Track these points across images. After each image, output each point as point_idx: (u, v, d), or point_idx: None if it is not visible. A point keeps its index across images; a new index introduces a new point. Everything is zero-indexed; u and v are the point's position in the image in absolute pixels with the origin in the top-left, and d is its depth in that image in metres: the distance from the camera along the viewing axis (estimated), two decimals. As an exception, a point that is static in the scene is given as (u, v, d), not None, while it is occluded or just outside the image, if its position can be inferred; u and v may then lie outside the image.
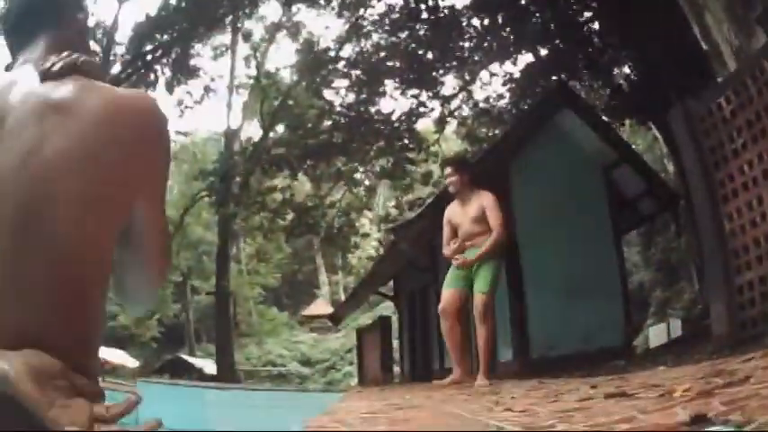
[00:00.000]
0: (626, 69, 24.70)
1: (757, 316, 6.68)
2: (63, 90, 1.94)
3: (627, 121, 25.51)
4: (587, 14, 23.90)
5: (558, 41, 24.10)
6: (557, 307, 13.66)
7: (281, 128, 41.21)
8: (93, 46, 38.77)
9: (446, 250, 9.75)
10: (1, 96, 1.97)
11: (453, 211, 9.89)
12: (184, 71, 38.03)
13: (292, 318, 69.46)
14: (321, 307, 61.65)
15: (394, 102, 29.42)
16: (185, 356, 56.02)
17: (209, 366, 48.66)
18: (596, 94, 25.35)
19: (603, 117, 19.70)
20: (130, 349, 56.22)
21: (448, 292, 9.50)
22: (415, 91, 29.21)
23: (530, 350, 13.80)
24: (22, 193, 1.82)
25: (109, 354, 46.50)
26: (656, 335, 23.29)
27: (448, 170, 10.08)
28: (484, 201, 9.50)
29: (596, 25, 23.97)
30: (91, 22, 35.46)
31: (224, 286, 42.37)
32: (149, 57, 37.64)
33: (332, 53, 33.98)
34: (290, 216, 36.90)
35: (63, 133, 1.87)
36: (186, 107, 42.63)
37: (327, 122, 32.83)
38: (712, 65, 9.86)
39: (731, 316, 6.95)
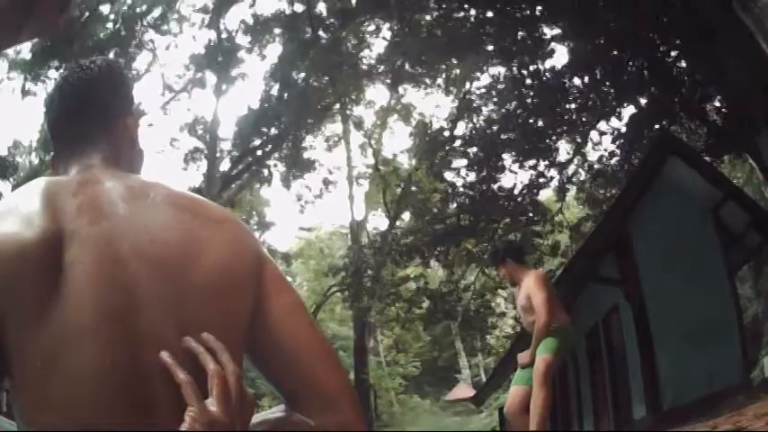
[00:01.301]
0: (716, 104, 24.34)
1: None
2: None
3: (725, 157, 25.12)
4: (673, 54, 23.87)
5: (653, 88, 24.07)
6: (681, 356, 13.49)
7: (406, 215, 41.48)
8: (196, 143, 39.48)
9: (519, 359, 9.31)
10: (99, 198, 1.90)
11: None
12: (299, 165, 38.40)
13: (435, 404, 68.64)
14: (463, 390, 61.15)
15: (514, 175, 29.05)
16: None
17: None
18: (695, 135, 24.98)
19: (705, 157, 19.43)
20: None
21: (514, 390, 9.27)
22: (532, 161, 28.95)
23: (662, 403, 13.52)
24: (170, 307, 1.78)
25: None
26: (770, 364, 22.72)
27: (495, 269, 10.43)
28: (526, 284, 9.11)
29: (683, 63, 23.95)
30: (189, 118, 36.30)
31: (363, 380, 42.35)
32: (259, 152, 38.10)
33: (446, 133, 33.97)
34: (425, 304, 36.75)
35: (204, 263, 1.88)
36: (306, 202, 43.02)
37: (452, 205, 32.54)
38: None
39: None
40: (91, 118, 2.17)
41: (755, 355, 23.34)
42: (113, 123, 2.23)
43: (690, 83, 23.48)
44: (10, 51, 29.03)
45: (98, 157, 2.09)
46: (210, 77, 38.39)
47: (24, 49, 30.64)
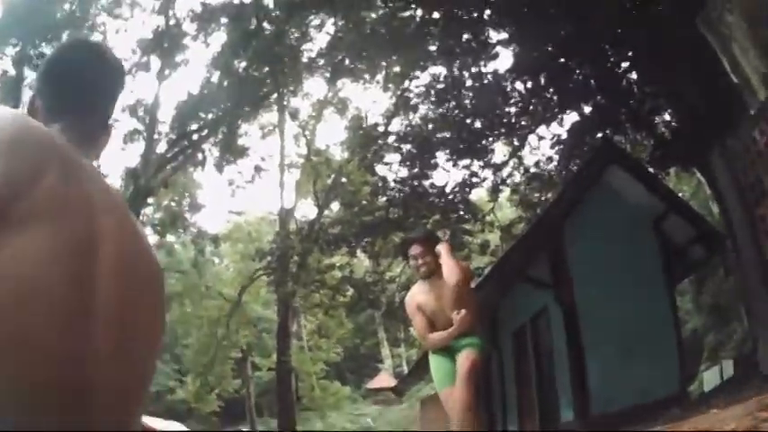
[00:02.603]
0: (666, 117, 24.84)
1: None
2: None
3: (672, 169, 25.67)
4: (624, 65, 24.17)
5: (599, 97, 24.41)
6: (614, 362, 13.73)
7: (335, 205, 41.68)
8: (135, 124, 39.47)
9: (430, 340, 8.36)
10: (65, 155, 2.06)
11: (425, 301, 8.34)
12: (233, 151, 38.59)
13: (356, 391, 69.07)
14: (385, 380, 61.66)
15: (446, 174, 29.29)
16: (246, 430, 56.21)
17: (272, 440, 48.35)
18: (641, 146, 25.43)
19: (649, 169, 19.82)
20: (189, 423, 56.10)
21: (444, 393, 8.25)
22: (466, 161, 29.13)
23: (590, 408, 13.82)
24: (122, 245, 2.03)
25: (167, 426, 46.60)
26: (709, 378, 23.18)
27: (417, 249, 8.33)
28: (454, 278, 7.99)
29: (634, 75, 24.22)
30: (131, 99, 36.15)
31: (285, 362, 42.48)
32: (195, 136, 38.24)
33: (381, 128, 34.33)
34: (350, 292, 37.36)
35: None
36: (238, 187, 43.44)
37: (382, 198, 32.52)
38: (744, 98, 9.96)
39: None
40: (97, 118, 2.48)
41: (694, 369, 23.92)
42: (105, 132, 2.57)
43: (639, 94, 23.90)
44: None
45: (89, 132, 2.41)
46: (155, 62, 38.36)
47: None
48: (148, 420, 37.86)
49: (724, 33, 9.93)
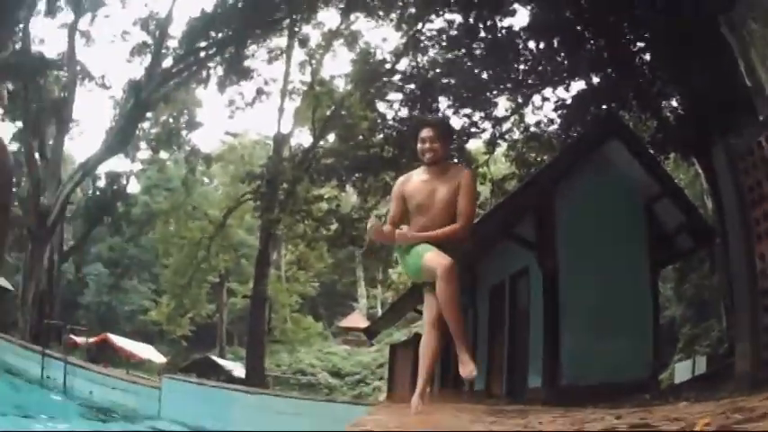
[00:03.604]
0: (674, 103, 24.67)
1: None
2: None
3: (671, 155, 25.46)
4: (640, 45, 23.92)
5: (610, 70, 24.16)
6: (589, 336, 13.49)
7: (331, 137, 41.54)
8: (146, 37, 39.44)
9: (381, 233, 7.12)
10: None
11: (416, 188, 7.36)
12: (237, 71, 38.56)
13: (327, 328, 69.55)
14: (357, 320, 61.99)
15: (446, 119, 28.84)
16: (215, 357, 56.21)
17: (238, 369, 49.00)
18: (644, 126, 25.18)
19: (649, 149, 19.53)
20: (159, 345, 56.51)
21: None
22: (467, 110, 29.03)
23: (560, 378, 13.58)
24: None
25: (136, 347, 46.91)
26: (681, 371, 23.18)
27: (429, 133, 7.32)
28: (463, 179, 7.19)
29: (648, 56, 23.98)
30: (144, 13, 36.21)
31: (261, 291, 42.66)
32: (202, 54, 38.08)
33: (388, 65, 34.27)
34: (334, 226, 37.25)
35: None
36: (237, 108, 43.65)
37: (379, 135, 32.56)
38: (755, 103, 9.76)
39: (756, 355, 6.85)
40: None
41: (668, 357, 23.82)
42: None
43: (650, 75, 23.69)
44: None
45: None
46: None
47: None
48: (119, 341, 37.69)
49: (745, 38, 9.79)
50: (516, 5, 26.18)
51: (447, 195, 7.20)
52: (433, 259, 6.75)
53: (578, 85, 26.75)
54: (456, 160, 29.56)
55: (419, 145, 7.36)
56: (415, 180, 7.41)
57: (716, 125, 15.81)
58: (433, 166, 7.30)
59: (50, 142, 42.13)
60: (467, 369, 6.63)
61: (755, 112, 9.85)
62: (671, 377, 23.21)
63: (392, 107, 32.04)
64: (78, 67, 43.50)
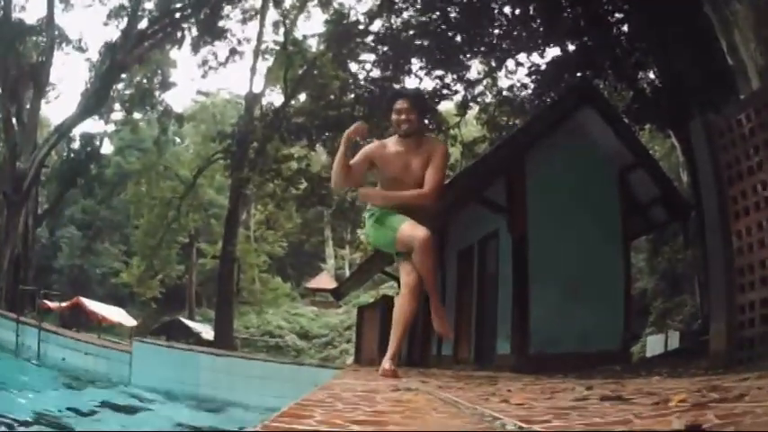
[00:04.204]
0: (651, 75, 24.69)
1: (755, 337, 6.57)
2: None
3: (646, 127, 25.44)
4: (618, 15, 23.82)
5: (586, 38, 24.03)
6: (559, 305, 13.41)
7: (303, 97, 41.43)
8: (122, 0, 39.51)
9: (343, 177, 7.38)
10: None
11: (390, 159, 7.42)
12: (212, 32, 38.49)
13: (295, 289, 69.62)
14: (325, 281, 61.89)
15: (418, 81, 28.81)
16: (184, 320, 56.40)
17: (207, 332, 49.10)
18: (619, 96, 25.23)
19: (624, 119, 19.46)
20: (129, 308, 56.44)
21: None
22: (440, 72, 29.11)
23: (528, 346, 13.53)
24: None
25: (107, 311, 46.84)
26: (653, 344, 23.23)
27: (403, 104, 7.34)
28: (436, 151, 7.34)
29: (626, 27, 23.91)
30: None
31: (230, 251, 42.73)
32: (178, 15, 37.99)
33: (361, 26, 34.15)
34: (303, 186, 37.11)
35: None
36: (210, 68, 43.49)
37: (350, 95, 32.66)
38: (736, 81, 9.74)
39: (730, 334, 6.83)
40: None
41: (639, 329, 23.86)
42: None
43: (628, 45, 23.68)
44: None
45: None
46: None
47: None
48: (91, 304, 37.65)
49: (728, 18, 9.74)
50: (492, -30, 25.86)
51: (421, 168, 7.31)
52: (410, 231, 6.89)
53: (553, 52, 26.77)
54: (427, 121, 29.59)
55: (394, 116, 7.38)
56: (391, 150, 7.44)
57: (694, 100, 15.77)
58: (408, 138, 7.37)
59: (27, 107, 42.00)
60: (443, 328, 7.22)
61: (736, 91, 9.83)
62: (642, 350, 23.29)
63: (364, 68, 32.36)
64: (56, 32, 43.59)
